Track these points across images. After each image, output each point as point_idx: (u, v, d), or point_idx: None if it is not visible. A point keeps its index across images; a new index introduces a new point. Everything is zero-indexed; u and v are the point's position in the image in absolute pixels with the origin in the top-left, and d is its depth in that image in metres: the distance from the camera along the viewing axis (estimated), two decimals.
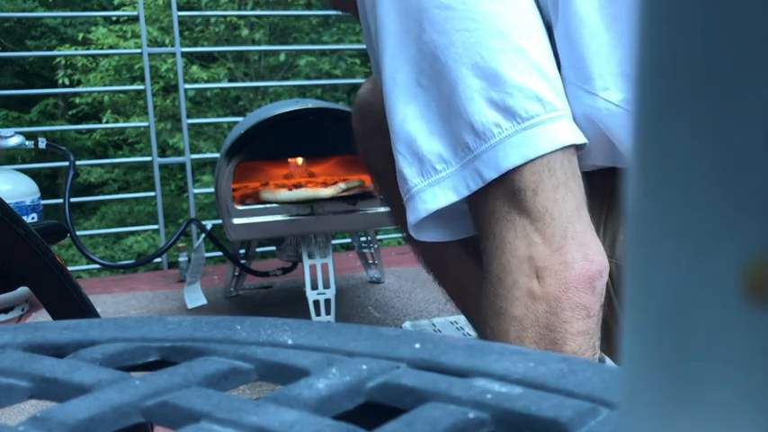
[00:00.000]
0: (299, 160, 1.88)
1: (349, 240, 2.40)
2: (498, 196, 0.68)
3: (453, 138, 0.68)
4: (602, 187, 0.78)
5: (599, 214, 0.78)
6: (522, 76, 0.66)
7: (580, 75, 0.70)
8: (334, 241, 2.51)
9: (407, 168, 0.71)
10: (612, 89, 0.69)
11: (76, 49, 7.14)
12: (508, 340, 0.67)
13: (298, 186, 1.75)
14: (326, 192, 1.70)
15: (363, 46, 0.81)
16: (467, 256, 0.83)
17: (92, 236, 6.49)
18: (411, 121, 0.70)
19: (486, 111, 0.66)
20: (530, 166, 0.66)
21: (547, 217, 0.66)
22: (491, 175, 0.67)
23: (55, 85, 7.38)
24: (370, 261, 2.14)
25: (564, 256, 0.65)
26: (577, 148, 0.69)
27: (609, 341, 0.80)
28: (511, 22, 0.67)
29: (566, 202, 0.66)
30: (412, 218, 0.72)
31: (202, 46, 7.30)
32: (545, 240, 0.66)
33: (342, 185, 1.73)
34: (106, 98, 7.16)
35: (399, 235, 0.93)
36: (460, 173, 0.68)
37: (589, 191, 0.70)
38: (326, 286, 1.71)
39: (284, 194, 1.70)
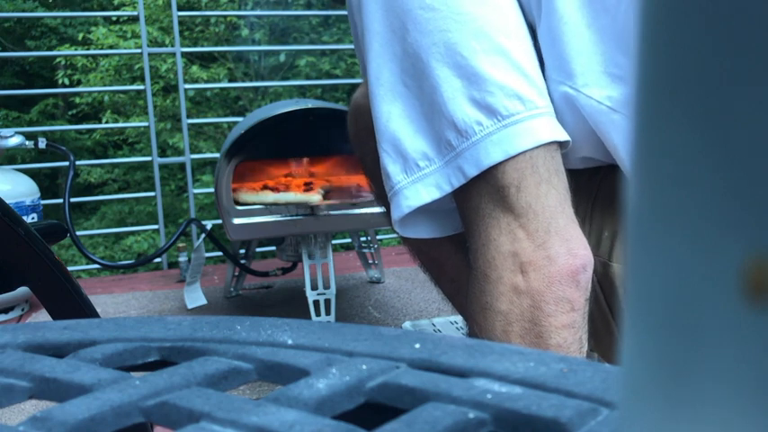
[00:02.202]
0: (300, 160, 1.88)
1: (349, 240, 2.40)
2: (483, 194, 0.69)
3: (436, 136, 0.70)
4: (588, 186, 0.79)
5: (584, 212, 0.79)
6: (503, 75, 0.67)
7: (563, 72, 0.71)
8: (334, 241, 2.51)
9: (391, 166, 0.72)
10: (593, 86, 0.70)
11: (76, 49, 7.14)
12: (495, 335, 0.68)
13: (274, 189, 1.75)
14: (316, 198, 1.71)
15: None
16: (461, 255, 0.84)
17: (92, 236, 6.49)
18: (395, 120, 0.72)
19: (468, 109, 0.67)
20: (512, 163, 0.67)
21: (530, 213, 0.67)
22: (473, 172, 0.68)
23: (55, 85, 7.37)
24: (370, 261, 2.14)
25: (547, 250, 0.66)
26: (561, 145, 0.70)
27: (596, 337, 0.80)
28: (493, 22, 0.69)
29: (548, 198, 0.67)
30: (395, 214, 0.73)
31: (202, 46, 7.30)
32: (529, 236, 0.67)
33: (320, 192, 1.75)
34: (106, 98, 7.15)
35: (397, 234, 0.94)
36: (443, 170, 0.70)
37: (575, 189, 0.71)
38: (326, 286, 1.71)
39: (270, 197, 1.71)
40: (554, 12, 0.71)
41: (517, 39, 0.70)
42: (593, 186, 0.80)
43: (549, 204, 0.67)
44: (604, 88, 0.70)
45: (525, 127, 0.67)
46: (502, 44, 0.68)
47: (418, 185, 0.71)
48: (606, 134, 0.71)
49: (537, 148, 0.67)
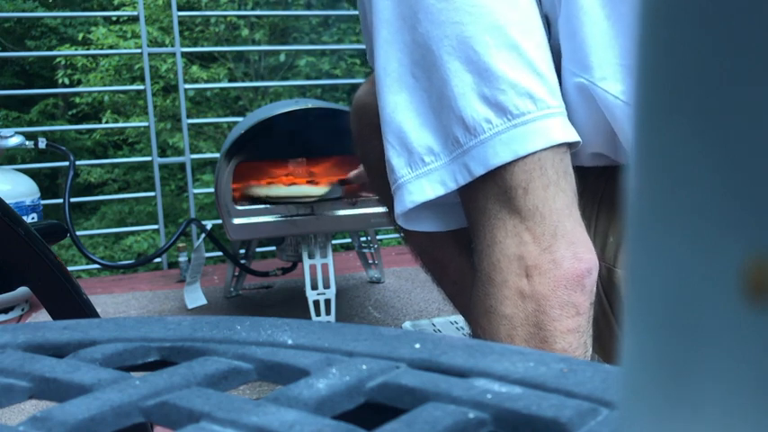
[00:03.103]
0: (300, 160, 1.89)
1: (349, 240, 2.40)
2: (489, 194, 0.68)
3: (444, 131, 0.68)
4: (595, 187, 0.79)
5: (590, 214, 0.78)
6: (515, 72, 0.66)
7: (579, 64, 0.70)
8: (334, 241, 2.51)
9: (396, 158, 0.71)
10: (610, 79, 0.69)
11: (76, 49, 7.14)
12: (499, 339, 0.67)
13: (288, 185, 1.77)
14: (319, 190, 1.72)
15: (363, 46, 0.82)
16: (464, 255, 0.83)
17: (92, 236, 6.49)
18: (402, 112, 0.70)
19: (478, 106, 0.66)
20: (521, 164, 0.66)
21: (537, 216, 0.66)
22: (479, 170, 0.67)
23: (55, 85, 7.37)
24: (370, 261, 2.14)
25: (553, 254, 0.66)
26: (570, 146, 0.69)
27: (599, 342, 0.80)
28: (507, 17, 0.67)
29: (556, 201, 0.66)
30: (398, 208, 0.72)
31: (202, 46, 7.30)
32: (535, 239, 0.66)
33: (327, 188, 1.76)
34: (106, 98, 7.15)
35: (399, 235, 0.93)
36: (449, 166, 0.69)
37: (581, 190, 0.70)
38: (326, 286, 1.71)
39: (282, 190, 1.72)
40: (575, 3, 0.69)
41: (531, 35, 0.69)
42: (599, 187, 0.79)
43: (557, 207, 0.66)
44: (621, 82, 0.69)
45: (535, 127, 0.66)
46: (516, 40, 0.67)
47: (423, 181, 0.70)
48: (622, 128, 0.70)
49: (546, 149, 0.66)
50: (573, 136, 0.68)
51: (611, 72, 0.69)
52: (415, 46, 0.69)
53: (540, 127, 0.66)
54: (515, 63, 0.67)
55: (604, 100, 0.70)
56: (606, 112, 0.70)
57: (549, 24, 0.73)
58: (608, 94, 0.69)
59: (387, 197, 0.81)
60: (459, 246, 0.84)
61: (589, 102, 0.71)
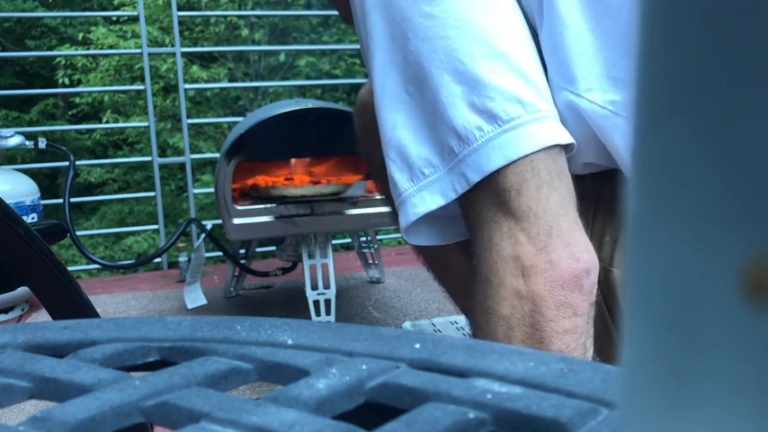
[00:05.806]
0: (299, 160, 1.89)
1: (349, 240, 2.40)
2: (484, 198, 0.69)
3: (439, 143, 0.70)
4: (591, 189, 0.79)
5: (586, 217, 0.79)
6: (503, 79, 0.67)
7: (565, 77, 0.71)
8: (334, 241, 2.51)
9: (398, 174, 0.73)
10: (596, 90, 0.70)
11: (76, 49, 7.14)
12: (497, 340, 0.67)
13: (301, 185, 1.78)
14: (330, 188, 1.73)
15: None
16: (466, 255, 0.84)
17: (92, 236, 6.49)
18: (400, 128, 0.72)
19: (469, 115, 0.67)
20: (513, 167, 0.67)
21: (531, 216, 0.66)
22: (475, 177, 0.68)
23: (55, 85, 7.38)
24: (370, 261, 2.14)
25: (549, 254, 0.66)
26: (566, 148, 0.70)
27: (596, 342, 0.80)
28: (492, 27, 0.69)
29: (550, 202, 0.67)
30: (403, 222, 0.74)
31: (202, 46, 7.30)
32: (530, 239, 0.66)
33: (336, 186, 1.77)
34: (106, 98, 7.16)
35: (399, 235, 0.94)
36: (447, 177, 0.70)
37: (577, 193, 0.71)
38: (326, 286, 1.71)
39: (295, 189, 1.73)
40: (556, 16, 0.70)
41: (518, 43, 0.70)
42: (595, 191, 0.80)
43: (551, 208, 0.67)
44: (607, 92, 0.70)
45: (526, 131, 0.67)
46: (502, 49, 0.68)
47: (424, 193, 0.71)
48: (609, 139, 0.71)
49: (538, 151, 0.67)
50: (565, 138, 0.69)
51: (595, 83, 0.70)
52: (407, 64, 0.71)
53: (530, 130, 0.67)
54: (503, 70, 0.68)
55: (590, 111, 0.70)
56: (592, 124, 0.71)
57: (536, 37, 0.74)
58: (594, 105, 0.70)
59: (389, 195, 0.82)
60: (461, 245, 0.85)
61: (577, 117, 0.72)
